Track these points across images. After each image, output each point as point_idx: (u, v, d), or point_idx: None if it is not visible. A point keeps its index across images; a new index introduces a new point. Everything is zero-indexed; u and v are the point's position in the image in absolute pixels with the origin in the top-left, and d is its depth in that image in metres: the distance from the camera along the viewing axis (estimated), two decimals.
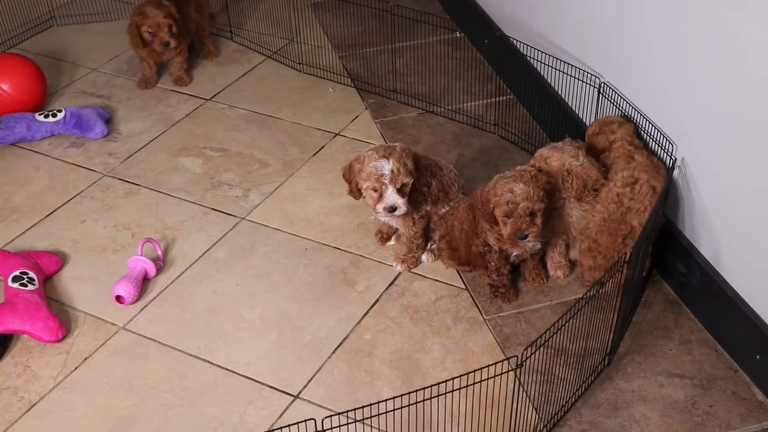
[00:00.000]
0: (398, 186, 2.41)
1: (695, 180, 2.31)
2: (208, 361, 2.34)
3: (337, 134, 3.23)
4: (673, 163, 2.35)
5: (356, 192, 2.48)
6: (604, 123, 2.56)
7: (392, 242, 2.71)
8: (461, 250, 2.53)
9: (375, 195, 2.43)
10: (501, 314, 2.45)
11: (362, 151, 2.49)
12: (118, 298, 2.50)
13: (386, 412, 1.81)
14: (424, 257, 2.63)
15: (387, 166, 2.39)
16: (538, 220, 2.30)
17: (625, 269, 2.08)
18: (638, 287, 2.40)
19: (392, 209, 2.43)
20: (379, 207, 2.43)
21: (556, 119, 3.02)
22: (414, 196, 2.48)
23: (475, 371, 1.82)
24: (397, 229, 2.68)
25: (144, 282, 2.58)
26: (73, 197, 2.96)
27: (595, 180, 2.43)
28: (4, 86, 3.24)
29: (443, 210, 2.59)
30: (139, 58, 3.54)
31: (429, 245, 2.64)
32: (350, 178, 2.48)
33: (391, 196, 2.42)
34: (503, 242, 2.38)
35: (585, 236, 2.45)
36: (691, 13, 2.21)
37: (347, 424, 1.78)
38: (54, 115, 3.21)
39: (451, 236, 2.55)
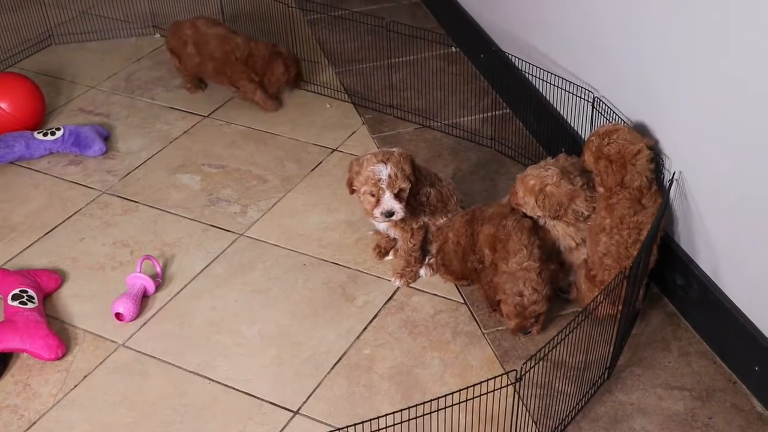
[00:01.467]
0: (395, 191, 2.41)
1: (692, 193, 2.33)
2: (208, 378, 2.34)
3: (334, 150, 3.24)
4: (671, 179, 2.36)
5: (351, 190, 2.50)
6: (608, 133, 2.40)
7: (390, 257, 2.72)
8: (455, 264, 2.53)
9: (372, 200, 2.44)
10: (500, 328, 2.46)
11: (362, 154, 2.51)
12: (118, 316, 2.51)
13: (386, 427, 1.81)
14: (422, 272, 2.64)
15: (384, 171, 2.40)
16: (542, 318, 2.37)
17: (624, 284, 2.09)
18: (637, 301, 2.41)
19: (389, 214, 2.43)
20: (376, 212, 2.43)
21: (551, 133, 3.04)
22: (412, 202, 2.49)
23: (474, 385, 1.83)
24: (395, 243, 2.69)
25: (143, 299, 2.58)
26: (72, 215, 2.97)
27: (571, 199, 2.42)
28: (3, 105, 3.25)
29: (441, 221, 2.60)
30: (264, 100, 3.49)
31: (427, 259, 2.65)
32: (348, 177, 2.50)
33: (389, 201, 2.42)
34: None
35: (587, 266, 2.44)
36: (687, 26, 2.23)
37: None
38: (53, 134, 3.22)
39: (444, 250, 2.56)
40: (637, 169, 2.34)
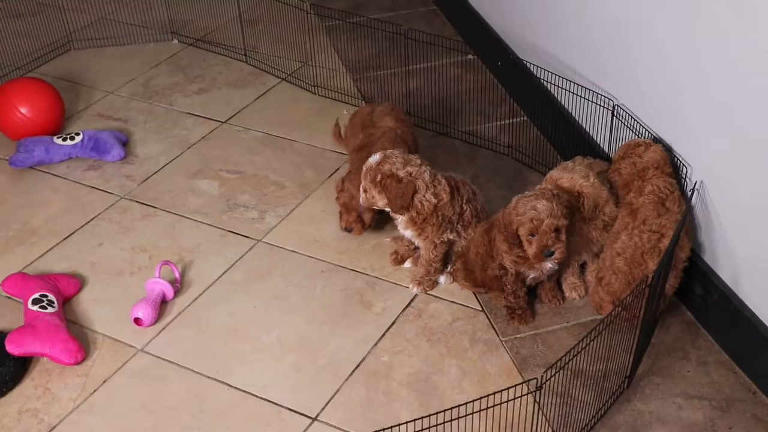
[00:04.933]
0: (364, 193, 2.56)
1: (713, 203, 2.32)
2: (226, 383, 2.35)
3: None
4: (693, 189, 2.35)
5: None
6: (630, 146, 2.48)
7: (408, 264, 2.72)
8: (476, 272, 2.53)
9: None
10: (518, 336, 2.46)
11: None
12: (137, 321, 2.52)
13: None
14: (441, 279, 2.64)
15: (368, 164, 2.53)
16: (563, 237, 2.28)
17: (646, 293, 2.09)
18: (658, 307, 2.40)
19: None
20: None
21: (570, 141, 3.03)
22: (433, 221, 2.52)
23: (494, 393, 1.83)
24: (414, 251, 2.70)
25: (162, 304, 2.59)
26: (91, 220, 2.98)
27: (606, 200, 2.43)
28: (23, 110, 3.27)
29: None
30: None
31: (449, 267, 2.65)
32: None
33: (360, 195, 2.58)
34: (521, 264, 2.38)
35: (601, 270, 2.44)
36: (709, 33, 2.23)
37: None
38: (72, 138, 3.24)
39: (466, 258, 2.56)
40: (648, 180, 2.38)
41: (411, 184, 2.47)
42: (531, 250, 2.30)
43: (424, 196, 2.49)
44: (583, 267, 2.59)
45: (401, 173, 2.47)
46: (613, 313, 2.01)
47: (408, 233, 2.58)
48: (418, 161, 2.51)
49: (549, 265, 2.37)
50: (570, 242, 2.39)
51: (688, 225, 2.36)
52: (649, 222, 2.33)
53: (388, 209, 2.55)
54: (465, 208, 2.57)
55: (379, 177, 2.48)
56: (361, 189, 2.56)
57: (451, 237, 2.58)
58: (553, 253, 2.29)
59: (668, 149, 2.46)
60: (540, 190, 2.33)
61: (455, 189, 2.55)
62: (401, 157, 2.50)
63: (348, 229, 2.76)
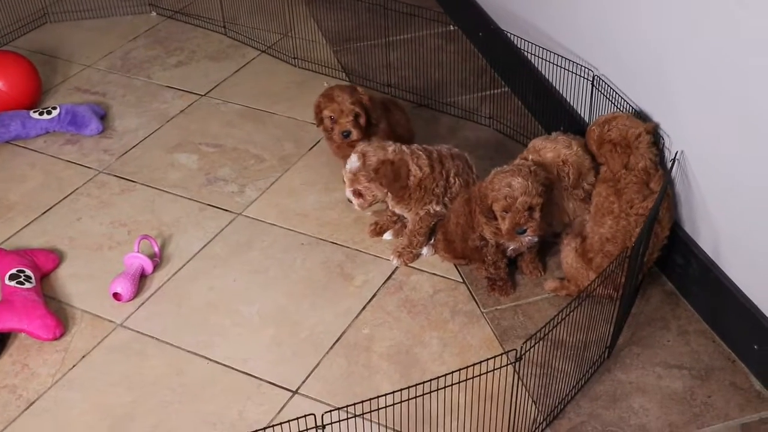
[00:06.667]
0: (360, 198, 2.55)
1: (694, 173, 2.31)
2: (206, 358, 2.34)
3: None
4: (674, 159, 2.35)
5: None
6: (608, 120, 2.40)
7: (387, 236, 2.70)
8: (457, 243, 2.53)
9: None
10: (499, 307, 2.46)
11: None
12: (116, 296, 2.50)
13: (386, 407, 1.80)
14: (424, 250, 2.63)
15: (351, 168, 2.54)
16: (537, 215, 2.29)
17: (626, 264, 2.09)
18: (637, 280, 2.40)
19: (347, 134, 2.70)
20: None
21: (551, 112, 3.02)
22: (413, 194, 2.53)
23: (474, 365, 1.82)
24: (395, 225, 2.69)
25: (141, 279, 2.57)
26: (69, 194, 2.95)
27: (589, 168, 2.43)
28: None
29: None
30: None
31: (432, 239, 2.64)
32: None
33: (354, 202, 2.56)
34: (500, 236, 2.38)
35: (584, 247, 2.42)
36: (689, 4, 2.21)
37: (347, 419, 1.78)
38: (49, 113, 3.20)
39: (446, 229, 2.55)
40: (641, 151, 2.32)
41: (403, 161, 2.50)
42: (504, 226, 2.31)
43: (410, 170, 2.51)
44: (557, 236, 2.58)
45: (390, 156, 2.49)
46: (590, 287, 2.01)
47: (397, 208, 2.61)
48: (390, 142, 2.55)
49: (528, 237, 2.36)
50: (547, 216, 2.39)
51: (669, 201, 2.36)
52: (636, 206, 2.31)
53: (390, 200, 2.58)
54: (453, 180, 2.56)
55: (373, 167, 2.48)
56: (351, 196, 2.54)
57: (437, 209, 2.57)
58: (525, 231, 2.30)
59: (649, 119, 2.45)
60: (517, 166, 2.32)
61: (438, 161, 2.54)
62: (378, 144, 2.53)
63: (346, 133, 2.70)
